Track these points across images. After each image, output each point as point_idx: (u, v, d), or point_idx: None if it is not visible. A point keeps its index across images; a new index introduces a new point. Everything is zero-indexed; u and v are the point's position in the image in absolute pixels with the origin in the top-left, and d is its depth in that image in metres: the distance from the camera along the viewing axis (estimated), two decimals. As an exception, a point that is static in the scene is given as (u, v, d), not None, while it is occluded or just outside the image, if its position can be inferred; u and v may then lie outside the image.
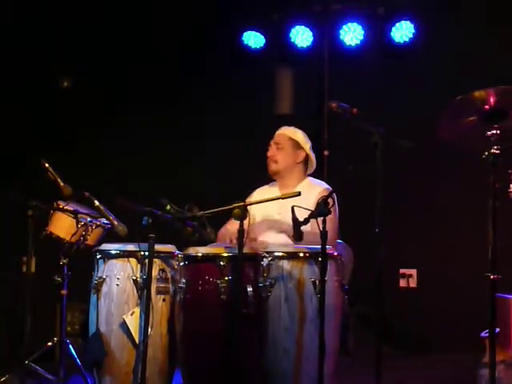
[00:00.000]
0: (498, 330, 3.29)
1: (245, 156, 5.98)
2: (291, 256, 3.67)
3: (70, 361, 4.22)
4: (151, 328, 3.66)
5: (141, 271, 3.78)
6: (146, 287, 3.64)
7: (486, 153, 3.24)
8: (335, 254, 3.76)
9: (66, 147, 5.90)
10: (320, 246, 3.42)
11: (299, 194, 3.56)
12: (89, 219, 4.23)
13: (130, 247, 3.84)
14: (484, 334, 3.81)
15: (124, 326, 3.74)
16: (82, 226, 4.21)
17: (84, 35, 6.11)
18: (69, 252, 4.25)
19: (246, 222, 3.50)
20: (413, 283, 6.07)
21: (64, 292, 4.26)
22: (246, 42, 6.31)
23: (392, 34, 6.08)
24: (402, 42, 6.08)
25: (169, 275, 3.84)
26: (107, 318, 3.80)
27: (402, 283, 6.07)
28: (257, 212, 4.26)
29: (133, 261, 3.82)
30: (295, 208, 3.52)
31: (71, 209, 4.20)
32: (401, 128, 3.84)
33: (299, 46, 6.28)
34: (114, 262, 3.85)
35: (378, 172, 3.40)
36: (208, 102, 6.23)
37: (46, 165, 4.12)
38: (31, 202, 3.94)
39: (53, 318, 4.47)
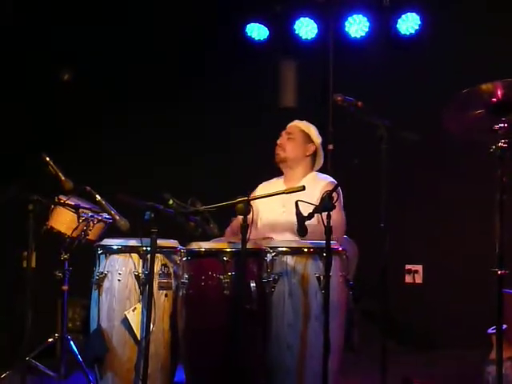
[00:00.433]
0: (505, 326, 3.24)
1: (245, 155, 5.96)
2: (295, 251, 3.62)
3: (71, 357, 4.21)
4: (153, 324, 3.63)
5: (143, 266, 3.76)
6: (148, 283, 3.62)
7: (494, 146, 3.20)
8: (340, 249, 3.71)
9: (66, 147, 5.87)
10: (324, 241, 3.37)
11: (303, 188, 3.52)
12: (90, 214, 4.20)
13: (132, 242, 3.81)
14: (491, 330, 3.78)
15: (126, 321, 3.71)
16: (84, 220, 4.18)
17: (84, 35, 6.07)
18: (70, 247, 4.24)
19: (249, 217, 3.46)
20: (418, 279, 6.02)
21: (65, 287, 4.26)
22: (249, 34, 6.24)
23: (398, 25, 6.00)
24: (407, 33, 6.00)
25: (171, 270, 3.81)
26: (109, 314, 3.77)
27: (408, 279, 6.02)
28: (261, 207, 4.22)
29: (135, 256, 3.79)
30: (299, 203, 3.47)
31: (72, 203, 4.17)
32: (406, 121, 3.81)
33: (303, 38, 6.21)
34: (115, 257, 3.82)
35: (383, 166, 3.37)
36: (208, 102, 6.20)
37: (47, 159, 4.10)
38: (32, 196, 3.89)
39: (54, 313, 4.44)
